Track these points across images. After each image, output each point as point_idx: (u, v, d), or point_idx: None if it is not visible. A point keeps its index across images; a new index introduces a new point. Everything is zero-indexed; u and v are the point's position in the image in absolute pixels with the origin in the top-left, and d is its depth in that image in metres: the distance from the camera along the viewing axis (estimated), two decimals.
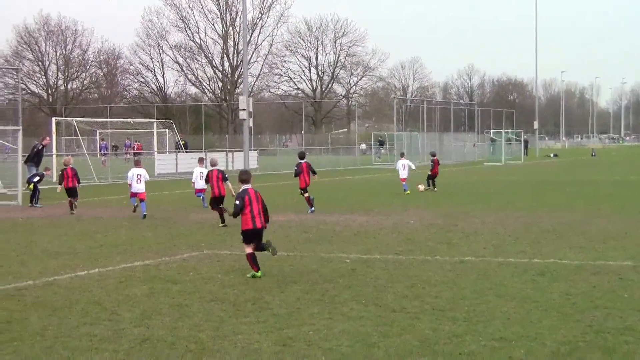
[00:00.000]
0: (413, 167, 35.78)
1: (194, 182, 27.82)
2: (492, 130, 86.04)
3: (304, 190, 26.36)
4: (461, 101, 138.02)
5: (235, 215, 14.56)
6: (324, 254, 16.82)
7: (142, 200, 25.78)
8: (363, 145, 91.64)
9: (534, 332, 10.06)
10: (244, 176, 14.85)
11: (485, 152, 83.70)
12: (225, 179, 23.51)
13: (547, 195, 32.32)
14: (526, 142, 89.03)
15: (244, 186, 14.53)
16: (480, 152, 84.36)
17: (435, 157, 36.41)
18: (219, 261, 15.99)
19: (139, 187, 25.90)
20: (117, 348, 9.53)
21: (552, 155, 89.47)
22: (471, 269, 14.70)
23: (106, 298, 12.41)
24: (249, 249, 14.43)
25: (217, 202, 23.06)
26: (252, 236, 14.46)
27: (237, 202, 14.37)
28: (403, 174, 34.26)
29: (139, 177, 26.00)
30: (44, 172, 31.66)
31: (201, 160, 28.64)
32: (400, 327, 10.39)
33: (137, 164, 27.38)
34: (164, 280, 13.93)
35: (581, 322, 10.55)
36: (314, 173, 27.06)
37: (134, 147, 73.21)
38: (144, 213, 25.09)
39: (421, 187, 34.51)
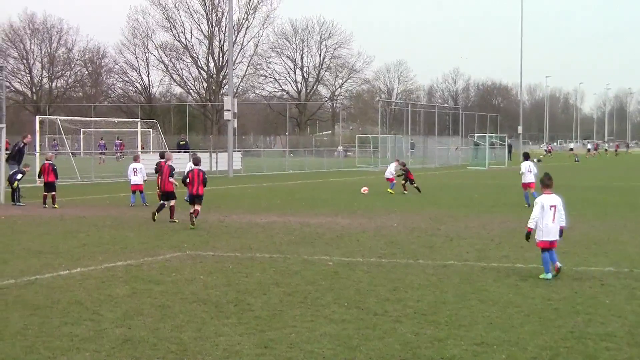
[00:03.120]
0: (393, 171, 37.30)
1: (129, 179, 30.00)
2: (476, 134, 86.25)
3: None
4: (446, 105, 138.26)
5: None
6: (307, 256, 16.81)
7: (140, 192, 29.33)
8: (340, 149, 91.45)
9: (515, 337, 10.08)
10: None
11: (469, 156, 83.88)
12: (172, 175, 24.06)
13: (531, 199, 32.38)
14: (510, 146, 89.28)
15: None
16: (464, 156, 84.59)
17: (405, 167, 37.36)
18: (201, 262, 15.95)
19: (136, 180, 29.36)
20: (99, 348, 9.50)
21: (535, 160, 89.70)
22: (454, 273, 14.72)
23: (88, 298, 12.35)
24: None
25: (163, 196, 24.07)
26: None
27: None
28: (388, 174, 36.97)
29: (135, 170, 29.52)
30: (24, 169, 31.60)
31: (136, 158, 31.23)
32: (382, 331, 10.40)
33: (135, 159, 30.85)
34: (146, 280, 13.89)
35: (563, 328, 10.58)
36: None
37: (120, 147, 73.12)
38: (145, 203, 28.58)
39: (364, 189, 35.49)
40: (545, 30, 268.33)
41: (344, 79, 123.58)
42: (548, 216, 14.26)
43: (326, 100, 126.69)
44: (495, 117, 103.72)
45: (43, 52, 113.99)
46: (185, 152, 50.84)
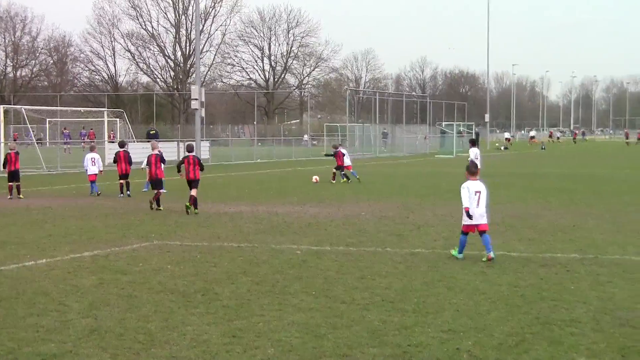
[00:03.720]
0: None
1: (86, 169, 30.51)
2: (443, 123, 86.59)
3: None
4: (414, 93, 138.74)
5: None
6: (275, 245, 16.80)
7: (93, 181, 29.74)
8: (306, 137, 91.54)
9: (482, 324, 10.14)
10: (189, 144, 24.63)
11: (437, 145, 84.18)
12: (163, 161, 25.26)
13: (497, 187, 32.56)
14: (477, 134, 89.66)
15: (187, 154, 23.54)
16: (432, 145, 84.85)
17: (338, 150, 36.13)
18: (169, 252, 15.89)
19: (93, 170, 29.99)
20: (65, 339, 9.43)
21: (502, 148, 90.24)
22: (421, 261, 14.78)
23: (54, 289, 12.27)
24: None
25: (153, 184, 24.69)
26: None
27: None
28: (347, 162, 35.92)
29: (93, 160, 30.16)
30: None
31: (92, 148, 32.11)
32: (350, 319, 10.41)
33: (92, 149, 31.60)
34: (113, 270, 13.81)
35: (529, 314, 10.66)
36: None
37: (90, 136, 72.66)
38: (98, 192, 29.09)
39: (315, 178, 35.13)
40: (511, 18, 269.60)
41: (312, 68, 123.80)
42: (473, 201, 14.87)
43: (294, 89, 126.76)
44: (462, 106, 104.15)
45: (7, 41, 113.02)
46: (157, 140, 50.61)
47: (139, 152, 48.72)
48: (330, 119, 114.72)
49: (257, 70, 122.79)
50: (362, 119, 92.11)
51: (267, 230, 19.19)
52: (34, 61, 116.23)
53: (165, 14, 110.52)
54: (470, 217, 14.87)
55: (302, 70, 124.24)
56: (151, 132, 55.83)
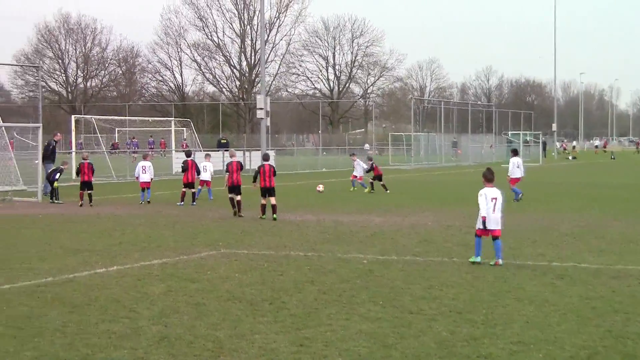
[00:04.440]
0: (365, 167, 36.79)
1: (137, 177, 30.83)
2: (509, 132, 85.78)
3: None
4: (479, 102, 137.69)
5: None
6: (341, 254, 16.82)
7: (147, 188, 30.11)
8: (367, 146, 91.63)
9: (552, 336, 10.03)
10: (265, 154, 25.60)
11: (503, 154, 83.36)
12: (241, 168, 25.72)
13: (566, 197, 32.21)
14: (544, 143, 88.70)
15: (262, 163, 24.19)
16: (498, 154, 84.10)
17: (372, 161, 36.70)
18: (236, 260, 16.01)
19: (144, 177, 30.18)
20: (136, 346, 9.57)
21: (570, 157, 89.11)
22: (489, 272, 14.67)
23: (124, 296, 12.45)
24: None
25: (233, 190, 24.96)
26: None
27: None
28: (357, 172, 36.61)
29: (144, 168, 30.30)
30: (62, 167, 31.95)
31: (145, 156, 32.32)
32: (418, 329, 10.39)
33: (144, 157, 31.88)
34: (182, 278, 13.97)
35: (600, 327, 10.51)
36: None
37: (161, 145, 73.63)
38: (148, 199, 29.72)
39: (320, 188, 32.89)
40: (579, 26, 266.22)
41: (376, 77, 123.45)
42: (489, 207, 15.44)
43: (358, 99, 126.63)
44: (529, 115, 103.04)
45: (78, 52, 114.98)
46: (225, 150, 51.18)
47: (204, 161, 49.25)
48: (395, 129, 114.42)
49: (321, 80, 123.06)
50: (427, 128, 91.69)
51: (333, 239, 19.22)
52: (103, 72, 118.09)
53: (231, 24, 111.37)
54: (484, 226, 15.36)
55: (367, 80, 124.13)
56: (222, 141, 56.60)
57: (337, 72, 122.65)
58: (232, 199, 25.02)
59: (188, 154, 31.36)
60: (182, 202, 28.85)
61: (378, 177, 35.65)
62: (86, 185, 29.08)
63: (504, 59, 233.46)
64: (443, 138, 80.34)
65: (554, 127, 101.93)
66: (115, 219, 24.00)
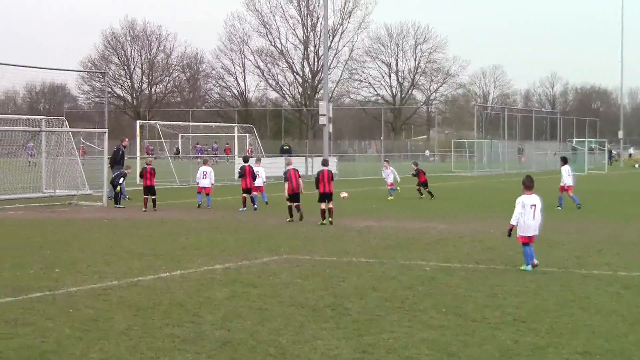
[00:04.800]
0: (398, 178, 37.01)
1: (198, 182, 31.28)
2: (574, 139, 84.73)
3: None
4: (543, 109, 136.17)
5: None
6: (404, 261, 16.77)
7: (207, 194, 30.47)
8: (427, 152, 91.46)
9: (619, 347, 9.87)
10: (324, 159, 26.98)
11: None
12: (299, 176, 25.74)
13: (631, 206, 31.73)
14: (610, 151, 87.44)
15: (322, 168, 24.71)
16: None
17: (416, 166, 36.70)
18: (298, 266, 16.05)
19: (204, 182, 30.58)
20: (199, 350, 9.65)
21: (636, 165, 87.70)
22: (553, 280, 14.50)
23: (188, 300, 12.56)
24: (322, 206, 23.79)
25: (293, 198, 25.09)
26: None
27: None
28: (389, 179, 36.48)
29: (204, 173, 30.68)
30: (125, 171, 32.37)
31: (205, 161, 33.24)
32: (481, 337, 10.30)
33: (205, 162, 32.71)
34: (244, 283, 14.05)
35: None
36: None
37: (226, 151, 74.27)
38: (208, 205, 30.04)
39: (344, 195, 29.41)
40: None
41: (439, 84, 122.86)
42: (528, 214, 15.64)
43: (421, 105, 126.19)
44: (594, 122, 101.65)
45: (143, 58, 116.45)
46: (288, 156, 51.50)
47: (267, 167, 49.53)
48: (457, 135, 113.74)
49: (384, 86, 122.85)
50: (490, 135, 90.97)
51: (395, 246, 19.17)
52: (167, 78, 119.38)
53: (294, 30, 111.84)
54: (510, 235, 15.83)
55: (429, 86, 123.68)
56: (285, 148, 57.09)
57: (399, 79, 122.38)
58: (290, 207, 25.08)
59: (245, 160, 31.53)
60: (244, 208, 29.04)
61: (424, 184, 35.49)
62: (150, 190, 29.48)
63: (569, 65, 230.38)
64: (506, 145, 79.64)
65: (620, 134, 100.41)
66: (179, 224, 24.24)
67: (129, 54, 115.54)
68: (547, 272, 15.33)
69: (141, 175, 30.57)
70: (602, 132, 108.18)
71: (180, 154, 70.60)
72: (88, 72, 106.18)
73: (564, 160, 32.67)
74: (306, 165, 53.46)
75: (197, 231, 22.26)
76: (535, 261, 15.60)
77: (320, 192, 24.28)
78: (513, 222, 15.75)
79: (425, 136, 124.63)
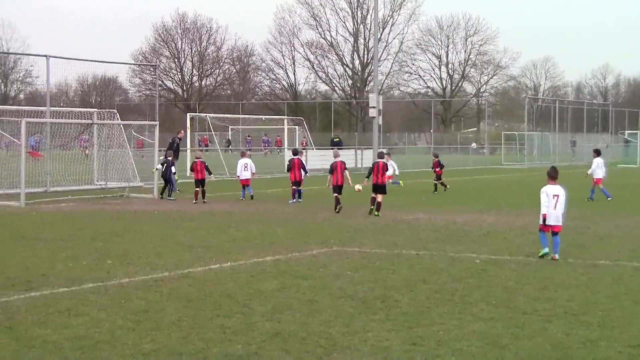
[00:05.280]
0: (397, 171, 36.34)
1: (239, 175, 31.59)
2: (626, 131, 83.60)
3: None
4: (594, 101, 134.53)
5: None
6: (453, 253, 16.72)
7: (247, 185, 30.84)
8: (474, 145, 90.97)
9: None
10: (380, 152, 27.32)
11: (620, 154, 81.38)
12: (345, 168, 26.27)
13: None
14: None
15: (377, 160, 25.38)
16: (614, 154, 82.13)
17: (436, 159, 35.86)
18: (347, 258, 16.08)
19: (245, 175, 31.02)
20: (250, 341, 9.72)
21: None
22: (605, 273, 14.36)
23: (238, 291, 12.65)
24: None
25: (337, 190, 25.68)
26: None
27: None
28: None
29: (245, 165, 31.12)
30: (169, 158, 32.21)
31: (243, 154, 33.27)
32: (532, 330, 10.24)
33: (242, 155, 32.96)
34: (294, 275, 14.11)
35: None
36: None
37: (277, 143, 74.57)
38: (251, 194, 30.38)
39: (358, 187, 27.54)
40: None
41: (490, 76, 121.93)
42: (551, 204, 16.08)
43: (471, 97, 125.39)
44: None
45: (193, 51, 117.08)
46: (339, 148, 51.61)
47: (317, 159, 49.63)
48: (507, 127, 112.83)
49: (434, 78, 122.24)
50: (541, 128, 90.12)
51: (444, 239, 19.12)
52: (218, 70, 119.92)
53: (344, 23, 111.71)
54: (544, 222, 16.06)
55: (480, 78, 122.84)
56: (335, 140, 57.33)
57: (449, 71, 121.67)
58: (337, 198, 25.41)
59: (295, 153, 31.56)
60: (294, 200, 29.14)
61: (438, 177, 35.06)
62: (200, 182, 29.83)
63: (622, 56, 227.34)
64: (557, 137, 78.84)
65: None
66: (229, 216, 24.39)
67: (180, 47, 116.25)
68: (599, 265, 15.20)
69: (191, 169, 30.87)
70: None
71: (231, 146, 70.93)
72: (139, 64, 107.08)
73: (597, 153, 32.62)
74: (355, 158, 53.48)
75: (246, 223, 22.38)
76: (557, 256, 15.92)
77: (373, 183, 24.76)
78: (544, 210, 16.08)
79: (475, 128, 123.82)
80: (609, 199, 29.71)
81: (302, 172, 29.91)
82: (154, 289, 12.82)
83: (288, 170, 30.59)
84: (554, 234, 16.06)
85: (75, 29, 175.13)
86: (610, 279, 13.82)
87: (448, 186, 34.95)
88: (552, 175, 16.38)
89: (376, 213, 24.15)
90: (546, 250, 16.03)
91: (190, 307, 11.50)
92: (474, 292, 12.64)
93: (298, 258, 16.11)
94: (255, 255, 16.35)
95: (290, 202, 29.03)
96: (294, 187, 29.63)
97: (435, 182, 35.09)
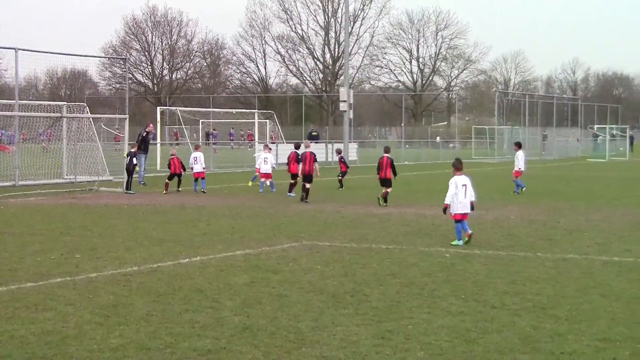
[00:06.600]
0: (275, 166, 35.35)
1: (258, 168, 31.99)
2: (595, 126, 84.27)
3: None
4: (564, 96, 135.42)
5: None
6: (424, 247, 16.76)
7: (202, 178, 30.92)
8: (438, 139, 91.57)
9: (639, 334, 9.82)
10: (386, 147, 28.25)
11: (589, 148, 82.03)
12: (315, 160, 27.37)
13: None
14: (632, 138, 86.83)
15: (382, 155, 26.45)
16: (584, 148, 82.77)
17: (340, 154, 36.39)
18: (318, 252, 16.07)
19: (197, 168, 31.15)
20: (219, 335, 9.68)
21: None
22: (574, 267, 14.45)
23: (208, 286, 12.60)
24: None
25: (307, 179, 26.84)
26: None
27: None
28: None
29: (195, 159, 31.41)
30: (132, 150, 31.98)
31: (266, 147, 33.52)
32: (501, 324, 10.29)
33: (196, 148, 33.17)
34: (264, 269, 14.07)
35: None
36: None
37: (249, 137, 74.35)
38: (203, 189, 30.43)
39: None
40: None
41: (460, 70, 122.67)
42: (460, 193, 17.11)
43: (442, 91, 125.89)
44: (615, 108, 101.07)
45: (164, 44, 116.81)
46: (316, 142, 51.64)
47: (287, 153, 49.50)
48: (478, 122, 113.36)
49: (404, 72, 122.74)
50: (511, 122, 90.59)
51: (415, 233, 19.16)
52: (188, 64, 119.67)
53: (315, 16, 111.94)
54: (445, 212, 17.30)
55: (450, 72, 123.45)
56: (313, 134, 57.70)
57: (420, 65, 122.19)
58: (303, 186, 26.76)
59: (297, 147, 31.03)
60: (292, 193, 28.90)
61: (343, 173, 33.88)
62: (176, 175, 30.92)
63: (591, 51, 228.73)
64: (527, 131, 79.29)
65: None
66: (200, 210, 24.29)
67: (150, 40, 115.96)
68: (568, 259, 15.29)
69: (168, 166, 31.48)
70: (624, 119, 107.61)
71: (210, 139, 70.46)
72: (109, 58, 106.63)
73: (519, 145, 33.23)
74: (326, 151, 53.46)
75: (217, 217, 22.31)
76: (470, 231, 17.00)
77: (380, 178, 25.98)
78: (447, 201, 17.15)
79: (445, 122, 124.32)
80: (515, 192, 30.45)
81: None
82: (122, 284, 12.74)
83: (293, 163, 29.17)
84: (458, 221, 17.12)
85: (44, 21, 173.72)
86: (579, 272, 13.91)
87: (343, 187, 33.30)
88: (458, 167, 17.44)
89: (384, 204, 25.35)
90: (461, 242, 16.87)
91: (159, 302, 11.44)
92: (443, 286, 12.68)
93: (268, 252, 16.08)
94: (225, 250, 16.30)
95: (303, 201, 26.81)
96: (304, 182, 27.37)
97: (340, 178, 33.59)
